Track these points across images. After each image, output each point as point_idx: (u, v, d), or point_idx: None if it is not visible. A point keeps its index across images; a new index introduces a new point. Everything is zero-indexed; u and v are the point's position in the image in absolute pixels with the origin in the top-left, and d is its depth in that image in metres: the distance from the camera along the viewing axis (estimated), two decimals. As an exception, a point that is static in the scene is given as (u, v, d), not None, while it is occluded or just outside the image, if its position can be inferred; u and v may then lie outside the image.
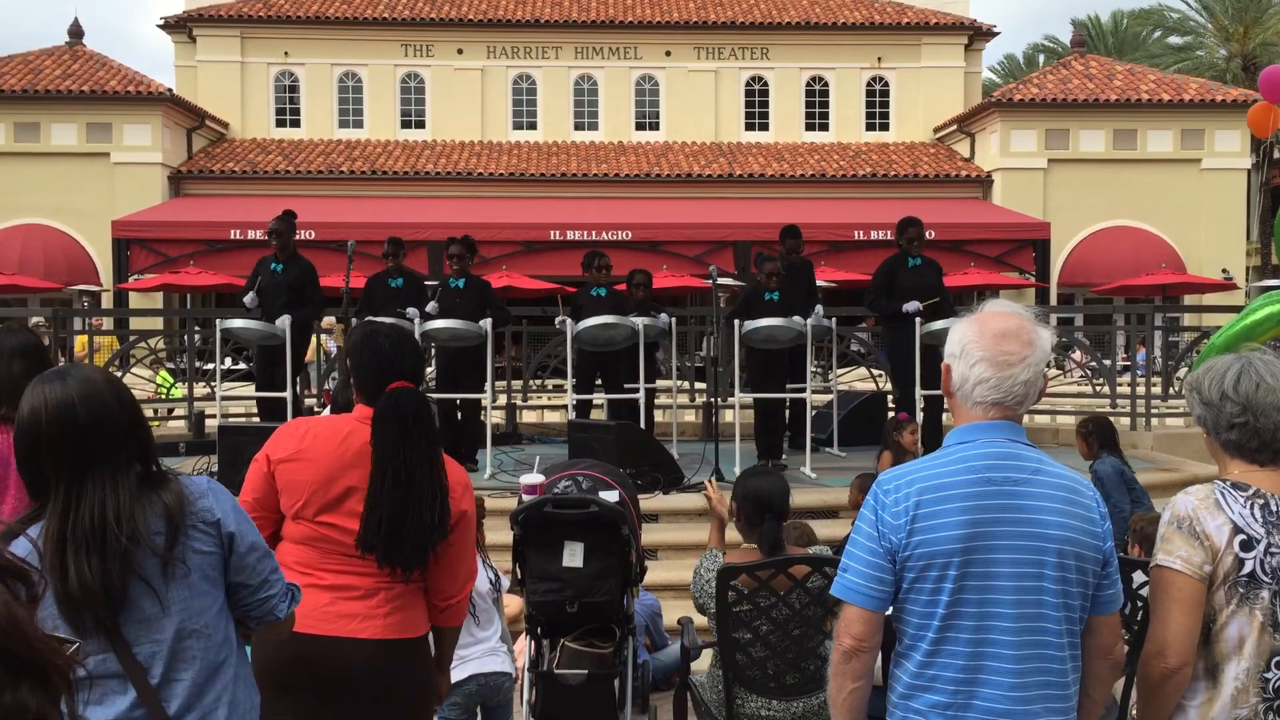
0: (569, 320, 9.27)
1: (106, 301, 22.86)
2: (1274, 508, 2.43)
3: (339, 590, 2.86)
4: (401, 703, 2.92)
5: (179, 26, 26.73)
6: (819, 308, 9.78)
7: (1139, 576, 3.59)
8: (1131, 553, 5.17)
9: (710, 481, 4.70)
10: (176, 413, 13.30)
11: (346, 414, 3.00)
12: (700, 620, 4.28)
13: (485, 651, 4.50)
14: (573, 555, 4.05)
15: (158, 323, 16.24)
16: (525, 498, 4.18)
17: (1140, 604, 3.59)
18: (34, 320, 15.01)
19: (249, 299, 9.24)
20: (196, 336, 12.94)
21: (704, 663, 4.42)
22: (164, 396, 13.73)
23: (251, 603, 2.33)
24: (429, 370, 10.62)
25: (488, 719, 4.62)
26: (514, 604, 5.56)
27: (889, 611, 2.34)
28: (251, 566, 2.31)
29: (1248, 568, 2.39)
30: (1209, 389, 2.54)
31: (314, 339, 11.48)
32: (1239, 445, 2.51)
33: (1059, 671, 2.27)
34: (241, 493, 2.94)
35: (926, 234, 9.55)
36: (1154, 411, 11.62)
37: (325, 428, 2.95)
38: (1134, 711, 2.60)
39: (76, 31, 25.57)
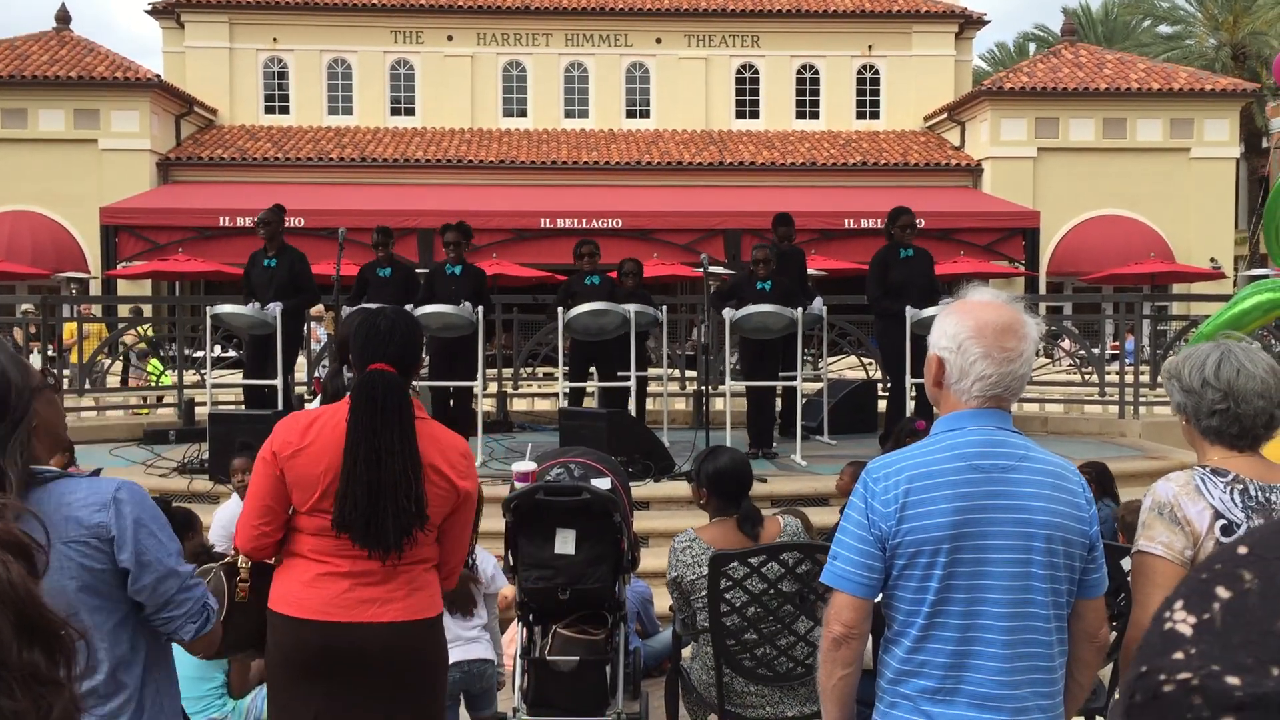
0: (561, 308, 9.28)
1: (95, 288, 22.78)
2: (1253, 492, 2.46)
3: (356, 576, 2.90)
4: (421, 682, 2.99)
5: (167, 12, 26.58)
6: (818, 299, 9.78)
7: (1128, 563, 3.62)
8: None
9: None
10: (166, 400, 13.28)
11: (343, 401, 3.01)
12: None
13: (468, 639, 4.52)
14: (565, 542, 4.08)
15: (146, 310, 16.21)
16: (518, 485, 4.20)
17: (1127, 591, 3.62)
18: (24, 307, 14.97)
19: (251, 309, 9.13)
20: (201, 325, 12.90)
21: (692, 648, 4.44)
22: (154, 384, 13.72)
23: (155, 620, 2.26)
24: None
25: (471, 705, 4.65)
26: (507, 592, 5.58)
27: (878, 598, 2.37)
28: (142, 589, 2.20)
29: None
30: (1189, 376, 2.55)
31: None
32: (1219, 431, 2.53)
33: (1046, 655, 2.30)
34: (248, 500, 2.97)
35: (917, 223, 9.58)
36: (1142, 400, 11.69)
37: (329, 417, 2.96)
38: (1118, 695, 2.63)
39: (64, 17, 25.40)
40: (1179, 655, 0.56)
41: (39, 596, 0.77)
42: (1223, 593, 0.57)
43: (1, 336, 10.81)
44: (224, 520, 6.01)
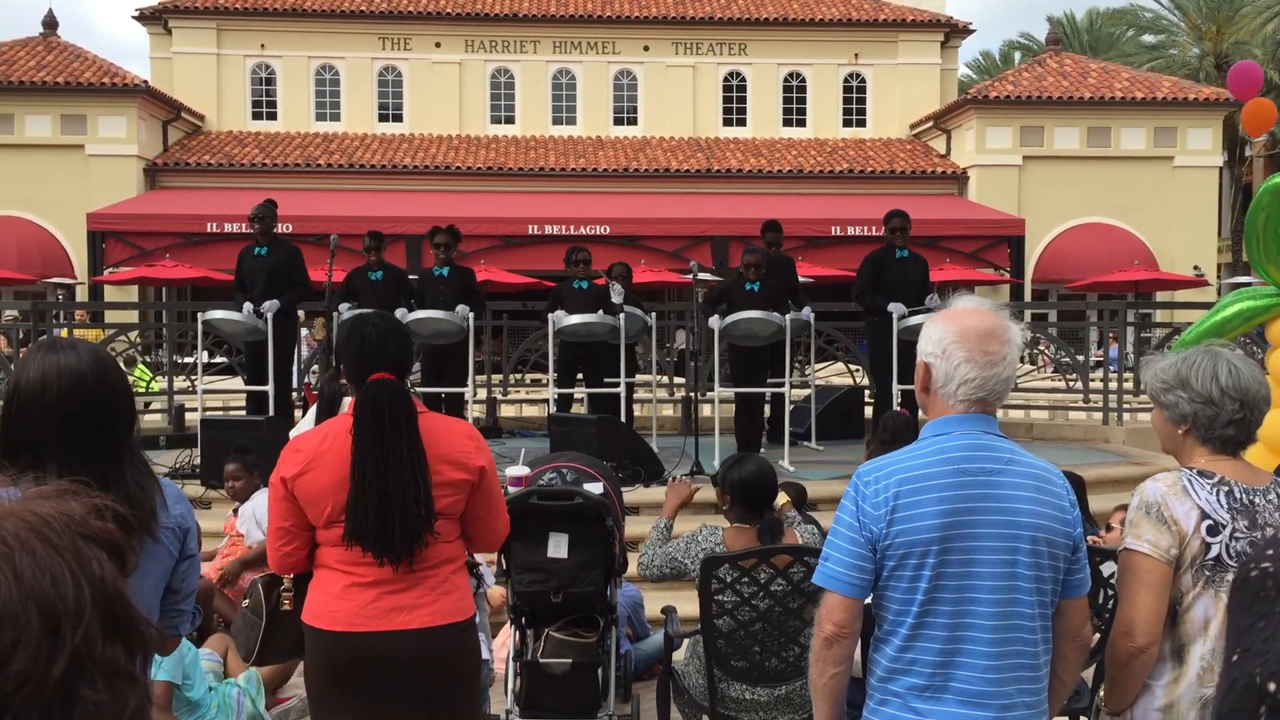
0: (551, 314, 9.34)
1: (81, 294, 22.71)
2: (1238, 494, 2.52)
3: (382, 585, 2.93)
4: (456, 685, 3.02)
5: (154, 18, 26.54)
6: (807, 308, 9.82)
7: (1108, 567, 3.69)
8: (1114, 527, 5.29)
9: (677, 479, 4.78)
10: (154, 406, 13.28)
11: (347, 413, 3.05)
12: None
13: None
14: (558, 546, 4.12)
15: (133, 315, 16.19)
16: (511, 489, 4.24)
17: (1110, 592, 3.69)
18: (9, 314, 14.95)
19: (246, 310, 9.10)
20: (190, 331, 12.91)
21: (685, 651, 4.49)
22: (143, 390, 13.71)
23: (179, 605, 2.40)
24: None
25: None
26: (497, 594, 5.62)
27: (868, 599, 2.43)
28: (184, 574, 2.38)
29: (1214, 551, 2.48)
30: (1203, 386, 2.55)
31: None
32: (1234, 440, 2.56)
33: (1031, 654, 2.35)
34: (270, 523, 3.05)
35: (909, 227, 9.67)
36: (1126, 406, 11.79)
37: (330, 432, 3.01)
38: (1102, 693, 2.69)
39: (50, 22, 25.36)
40: (1270, 552, 0.76)
41: (125, 594, 0.84)
42: None
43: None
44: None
